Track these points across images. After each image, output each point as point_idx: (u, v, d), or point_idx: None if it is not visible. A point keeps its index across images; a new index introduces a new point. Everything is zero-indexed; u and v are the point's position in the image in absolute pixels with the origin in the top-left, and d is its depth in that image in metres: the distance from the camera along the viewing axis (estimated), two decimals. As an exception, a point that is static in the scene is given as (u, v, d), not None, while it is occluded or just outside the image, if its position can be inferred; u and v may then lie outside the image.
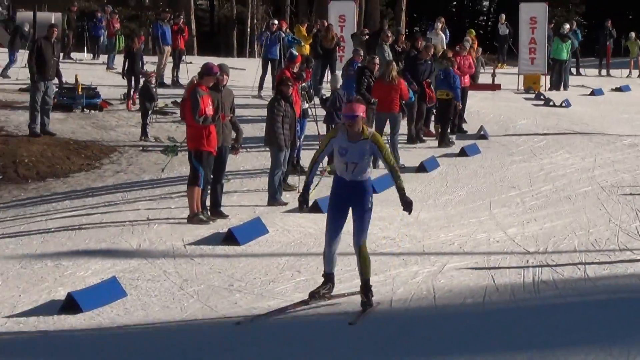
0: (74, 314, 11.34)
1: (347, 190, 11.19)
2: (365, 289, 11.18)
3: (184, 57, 34.19)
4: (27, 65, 25.16)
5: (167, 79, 32.88)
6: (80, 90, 27.95)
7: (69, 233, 15.52)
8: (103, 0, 56.99)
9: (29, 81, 25.85)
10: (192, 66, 30.49)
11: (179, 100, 28.33)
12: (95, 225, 16.04)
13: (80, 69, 33.54)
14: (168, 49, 33.07)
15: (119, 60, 34.65)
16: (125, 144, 24.29)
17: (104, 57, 39.44)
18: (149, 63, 32.24)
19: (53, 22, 33.69)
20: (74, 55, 41.21)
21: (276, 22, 31.81)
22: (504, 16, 44.56)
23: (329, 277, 11.50)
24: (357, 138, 10.94)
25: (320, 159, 11.79)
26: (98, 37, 42.03)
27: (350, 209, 11.25)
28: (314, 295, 11.43)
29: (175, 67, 33.41)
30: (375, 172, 20.24)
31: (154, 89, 25.88)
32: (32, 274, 13.03)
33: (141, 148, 23.95)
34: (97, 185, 20.43)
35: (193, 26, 54.10)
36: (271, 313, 11.20)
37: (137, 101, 27.01)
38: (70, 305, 11.43)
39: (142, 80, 27.02)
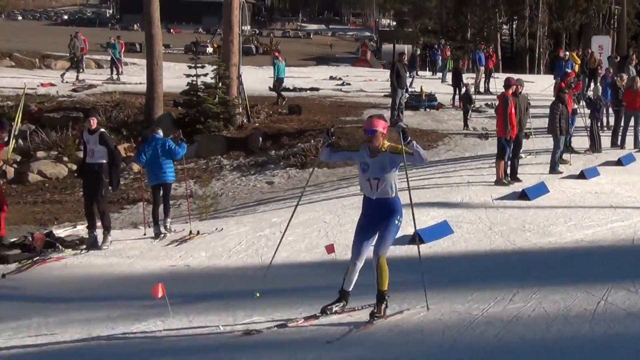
0: (419, 244, 11.54)
1: (375, 209, 7.90)
2: (380, 299, 7.87)
3: (493, 74, 34.02)
4: (388, 79, 25.70)
5: (481, 89, 32.76)
6: (423, 96, 28.42)
7: (415, 192, 15.73)
8: (439, 35, 57.96)
9: (389, 90, 26.43)
10: (498, 80, 30.04)
11: (489, 102, 28.24)
12: (432, 186, 16.24)
13: (424, 82, 33.94)
14: (482, 68, 33.20)
15: (448, 76, 35.22)
16: (453, 132, 24.29)
17: (439, 74, 39.72)
18: (469, 78, 32.22)
19: (405, 51, 34.41)
20: (420, 73, 41.80)
21: (567, 53, 30.97)
22: None
23: (344, 295, 8.11)
24: (377, 153, 7.78)
25: (339, 154, 8.31)
26: (435, 61, 42.45)
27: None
28: (326, 310, 8.06)
29: (487, 80, 33.32)
30: (600, 157, 19.51)
31: (472, 95, 25.83)
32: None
33: (464, 135, 23.90)
34: (434, 159, 20.53)
35: (499, 53, 54.37)
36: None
37: (461, 103, 27.04)
38: (416, 238, 11.63)
39: (464, 89, 27.00)
